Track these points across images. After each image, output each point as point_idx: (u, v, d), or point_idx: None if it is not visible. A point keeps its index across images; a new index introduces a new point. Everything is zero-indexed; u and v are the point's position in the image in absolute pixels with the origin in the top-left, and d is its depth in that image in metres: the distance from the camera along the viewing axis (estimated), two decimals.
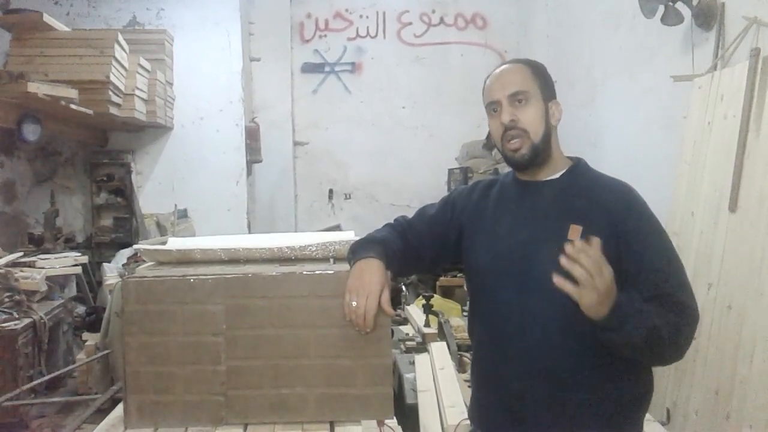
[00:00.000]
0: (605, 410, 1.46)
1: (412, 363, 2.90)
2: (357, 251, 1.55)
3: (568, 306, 1.36)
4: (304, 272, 1.68)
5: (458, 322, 3.47)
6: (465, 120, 6.67)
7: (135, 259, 4.65)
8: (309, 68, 6.86)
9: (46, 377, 3.75)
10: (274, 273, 1.69)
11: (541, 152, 1.51)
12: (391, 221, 1.70)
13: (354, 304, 1.45)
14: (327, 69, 6.88)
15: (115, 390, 3.27)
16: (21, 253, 4.55)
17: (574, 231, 1.42)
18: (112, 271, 4.69)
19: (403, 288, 5.07)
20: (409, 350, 3.10)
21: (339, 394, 1.66)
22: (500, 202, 1.60)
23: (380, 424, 1.67)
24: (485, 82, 1.59)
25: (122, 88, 4.94)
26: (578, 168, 1.56)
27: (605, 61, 4.71)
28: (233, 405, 1.67)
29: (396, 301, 4.54)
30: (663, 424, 2.24)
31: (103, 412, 2.44)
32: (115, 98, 4.82)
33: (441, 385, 2.52)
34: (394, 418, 1.72)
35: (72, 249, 5.16)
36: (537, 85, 1.52)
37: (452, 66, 6.88)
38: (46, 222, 5.05)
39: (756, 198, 2.55)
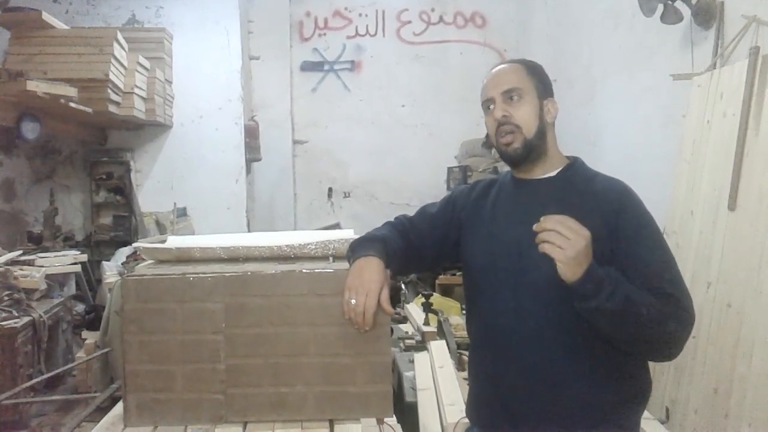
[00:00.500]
0: (602, 407, 1.46)
1: (412, 361, 2.91)
2: (356, 249, 1.55)
3: (564, 303, 1.37)
4: (304, 270, 1.68)
5: (457, 320, 3.47)
6: (464, 118, 6.67)
7: (134, 257, 4.65)
8: (308, 67, 6.86)
9: (46, 375, 3.75)
10: (273, 271, 1.69)
11: (535, 148, 1.52)
12: (392, 220, 1.70)
13: (353, 302, 1.45)
14: (326, 67, 6.87)
15: (114, 388, 3.26)
16: (20, 252, 4.55)
17: None
18: (111, 270, 4.69)
19: (403, 286, 5.07)
20: (408, 348, 3.10)
21: (338, 392, 1.67)
22: (497, 200, 1.61)
23: (380, 422, 1.67)
24: (483, 82, 1.61)
25: (121, 86, 4.94)
26: (574, 166, 1.56)
27: (604, 60, 4.71)
28: (233, 403, 1.67)
29: (395, 299, 4.54)
30: (662, 423, 2.24)
31: (102, 410, 2.43)
32: (114, 96, 4.82)
33: (440, 383, 2.52)
34: (394, 416, 1.72)
35: (71, 247, 5.16)
36: (532, 83, 1.53)
37: (451, 64, 6.88)
38: (46, 220, 5.05)
39: (755, 196, 2.55)
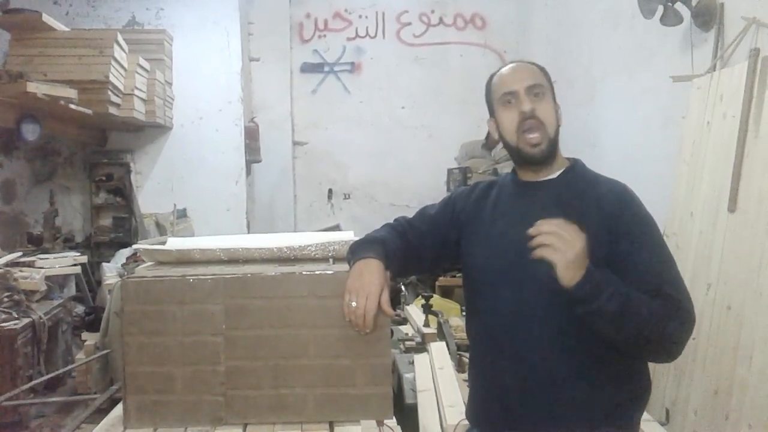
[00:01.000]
0: (602, 409, 1.46)
1: (412, 363, 2.90)
2: (356, 251, 1.55)
3: (564, 305, 1.37)
4: (304, 272, 1.69)
5: (457, 322, 3.47)
6: (464, 120, 6.67)
7: (134, 258, 4.65)
8: (308, 68, 6.86)
9: (46, 377, 3.75)
10: (273, 273, 1.70)
11: (555, 149, 1.52)
12: (391, 221, 1.70)
13: (353, 304, 1.45)
14: (326, 69, 6.87)
15: (114, 390, 3.26)
16: (20, 253, 4.55)
17: None
18: (111, 271, 4.69)
19: (403, 288, 5.07)
20: (408, 350, 3.10)
21: (338, 394, 1.67)
22: (498, 202, 1.60)
23: (380, 424, 1.67)
24: (492, 79, 1.59)
25: (121, 87, 4.94)
26: (575, 168, 1.56)
27: (604, 61, 4.71)
28: (232, 405, 1.67)
29: (395, 301, 4.54)
30: (662, 424, 2.24)
31: (102, 411, 2.43)
32: (114, 98, 4.82)
33: (440, 385, 2.52)
34: (394, 418, 1.72)
35: (71, 249, 5.16)
36: (549, 84, 1.54)
37: (451, 66, 6.87)
38: (46, 222, 5.05)
39: (755, 198, 2.55)
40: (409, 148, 6.87)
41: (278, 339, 1.66)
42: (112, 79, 4.72)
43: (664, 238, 1.55)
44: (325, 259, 1.90)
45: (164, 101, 5.66)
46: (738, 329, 2.49)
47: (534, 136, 1.48)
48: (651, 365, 1.56)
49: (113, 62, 4.76)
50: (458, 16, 6.89)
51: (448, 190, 6.16)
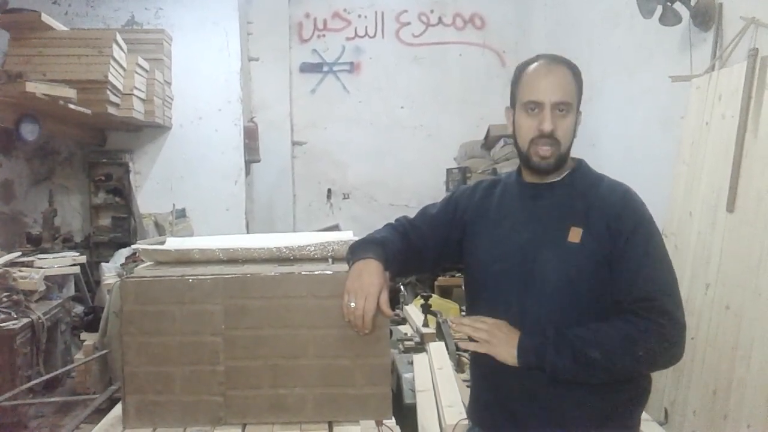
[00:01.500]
0: (603, 409, 1.46)
1: (411, 363, 2.90)
2: (356, 252, 1.54)
3: (567, 307, 1.37)
4: (303, 272, 1.69)
5: None
6: (463, 120, 6.67)
7: (133, 258, 4.65)
8: (307, 68, 6.86)
9: (45, 377, 3.75)
10: (272, 273, 1.69)
11: (564, 161, 1.51)
12: (392, 221, 1.70)
13: (352, 305, 1.45)
14: (325, 69, 6.87)
15: (113, 390, 3.26)
16: (19, 253, 4.55)
17: (575, 233, 1.43)
18: (110, 271, 4.68)
19: (401, 288, 5.07)
20: (407, 350, 3.10)
21: (337, 394, 1.67)
22: (502, 202, 1.60)
23: (378, 424, 1.67)
24: (524, 72, 1.52)
25: (120, 87, 4.94)
26: (579, 170, 1.55)
27: (604, 61, 4.71)
28: (232, 405, 1.67)
29: (394, 301, 4.54)
30: (661, 424, 2.24)
31: (101, 412, 2.43)
32: (113, 98, 4.82)
33: (439, 385, 2.52)
34: (393, 418, 1.72)
35: (70, 249, 5.16)
36: (576, 95, 1.49)
37: (451, 66, 6.87)
38: (45, 221, 5.05)
39: (754, 198, 2.55)
40: (408, 148, 6.87)
41: (277, 339, 1.66)
42: (111, 78, 4.72)
43: (663, 238, 1.54)
44: (324, 259, 1.90)
45: (163, 101, 5.66)
46: (737, 329, 2.50)
47: (545, 150, 1.46)
48: None
49: (112, 62, 4.76)
50: (457, 16, 6.89)
51: (448, 189, 6.16)
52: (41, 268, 4.30)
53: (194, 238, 2.78)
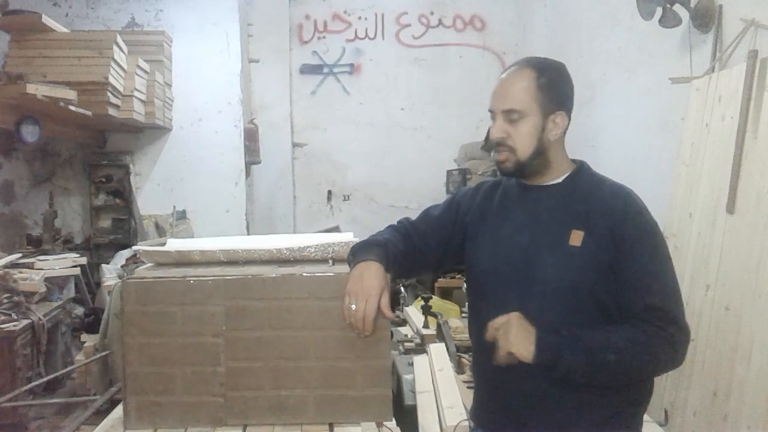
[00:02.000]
0: (605, 410, 1.46)
1: (411, 364, 2.90)
2: (357, 254, 1.54)
3: (568, 310, 1.38)
4: (304, 274, 1.69)
5: (457, 323, 3.47)
6: (463, 121, 6.67)
7: (134, 260, 4.65)
8: (307, 69, 6.87)
9: (45, 378, 3.75)
10: (273, 274, 1.70)
11: (528, 167, 1.51)
12: (394, 223, 1.70)
13: (353, 307, 1.45)
14: (325, 70, 6.88)
15: (114, 391, 3.27)
16: (20, 255, 4.56)
17: (576, 237, 1.43)
18: (110, 272, 4.69)
19: (402, 289, 5.07)
20: (407, 351, 3.10)
21: (338, 395, 1.67)
22: (503, 204, 1.60)
23: (379, 425, 1.68)
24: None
25: (121, 89, 4.94)
26: (580, 172, 1.55)
27: (603, 62, 4.72)
28: (232, 406, 1.67)
29: (394, 302, 4.54)
30: (661, 425, 2.24)
31: (102, 413, 2.44)
32: (113, 99, 4.82)
33: (440, 386, 2.52)
34: (393, 419, 1.72)
35: (71, 250, 5.16)
36: (537, 101, 1.47)
37: (451, 67, 6.88)
38: (45, 223, 5.05)
39: (753, 199, 2.55)
40: (408, 149, 6.87)
41: (278, 340, 1.67)
42: (111, 80, 4.73)
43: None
44: (324, 261, 1.90)
45: (164, 103, 5.67)
46: (737, 330, 2.50)
47: (501, 155, 1.51)
48: None
49: (113, 64, 4.77)
50: (457, 18, 6.90)
51: (448, 191, 6.16)
52: (42, 269, 4.30)
53: (195, 239, 2.78)
